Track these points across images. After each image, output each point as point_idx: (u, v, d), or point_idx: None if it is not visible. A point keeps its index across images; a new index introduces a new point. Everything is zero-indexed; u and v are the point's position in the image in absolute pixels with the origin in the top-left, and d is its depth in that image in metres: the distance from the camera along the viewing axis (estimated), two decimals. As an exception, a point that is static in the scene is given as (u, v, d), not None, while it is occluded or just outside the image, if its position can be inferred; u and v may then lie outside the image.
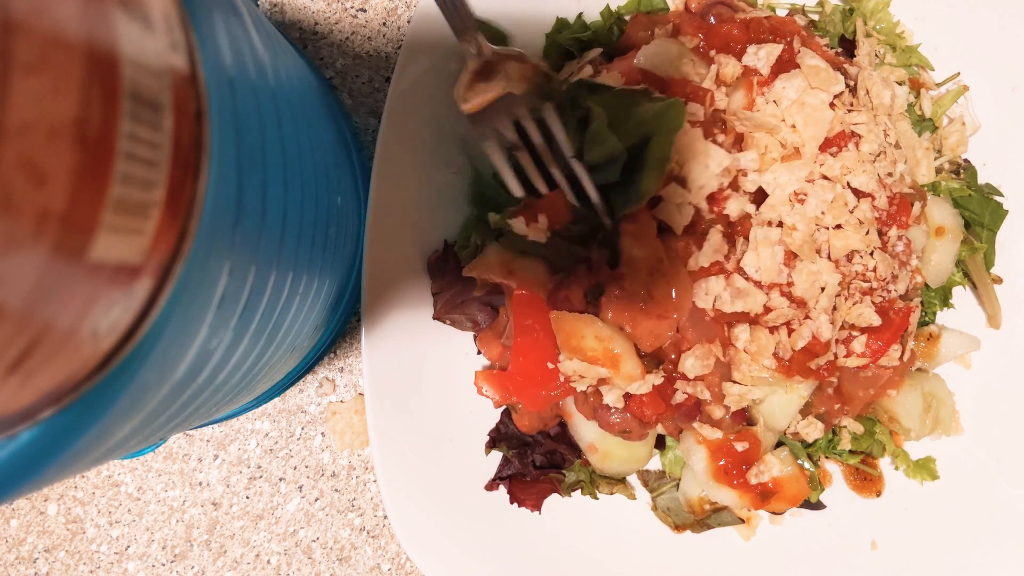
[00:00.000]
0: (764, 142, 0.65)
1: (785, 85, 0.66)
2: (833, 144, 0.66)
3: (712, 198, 0.65)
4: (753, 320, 0.65)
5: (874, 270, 0.66)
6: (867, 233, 0.65)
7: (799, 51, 0.68)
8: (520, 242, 0.70)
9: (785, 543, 0.74)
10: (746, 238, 0.65)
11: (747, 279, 0.64)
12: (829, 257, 0.65)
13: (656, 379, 0.66)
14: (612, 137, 0.63)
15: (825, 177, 0.65)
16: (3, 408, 0.26)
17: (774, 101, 0.66)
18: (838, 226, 0.64)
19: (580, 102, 0.66)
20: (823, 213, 0.64)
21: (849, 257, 0.65)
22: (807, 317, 0.64)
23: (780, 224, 0.64)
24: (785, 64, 0.68)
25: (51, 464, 0.28)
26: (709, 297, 0.64)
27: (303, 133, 0.50)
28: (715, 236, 0.64)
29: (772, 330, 0.65)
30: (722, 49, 0.69)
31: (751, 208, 0.65)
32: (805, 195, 0.64)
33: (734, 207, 0.64)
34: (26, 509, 0.82)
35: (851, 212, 0.64)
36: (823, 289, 0.64)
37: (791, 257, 0.64)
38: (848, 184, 0.65)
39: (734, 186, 0.65)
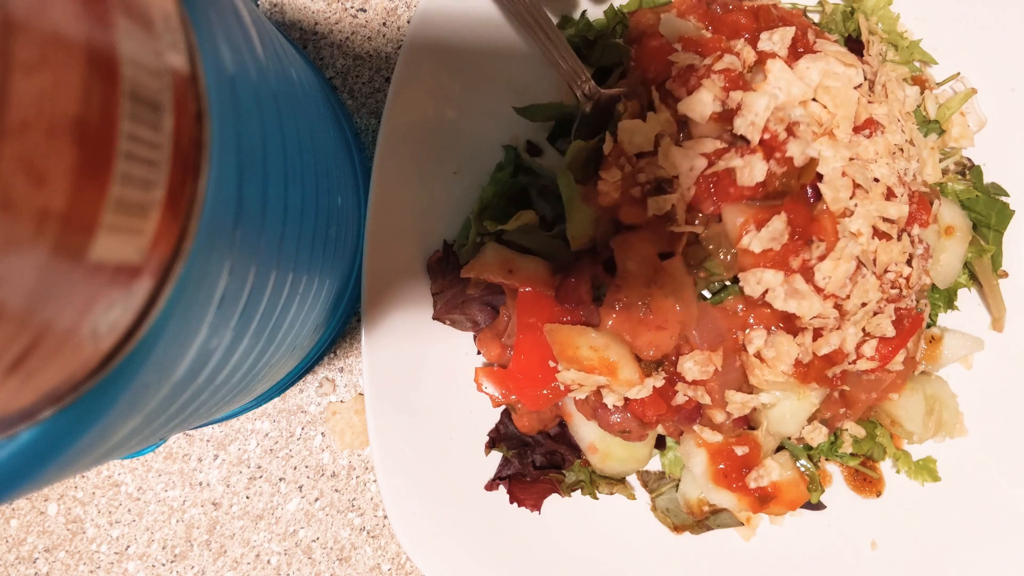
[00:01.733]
0: (811, 112, 0.64)
1: (809, 66, 0.65)
2: (865, 128, 0.65)
3: (769, 146, 0.61)
4: (778, 325, 0.64)
5: (907, 278, 0.65)
6: (900, 239, 0.64)
7: (815, 42, 0.68)
8: (520, 239, 0.70)
9: (785, 543, 0.74)
10: (821, 239, 0.62)
11: (808, 283, 0.62)
12: (874, 273, 0.64)
13: (657, 381, 0.66)
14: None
15: (860, 158, 0.64)
16: (3, 408, 0.26)
17: (799, 79, 0.65)
18: (883, 237, 0.63)
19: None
20: (868, 192, 0.62)
21: (886, 269, 0.64)
22: (838, 327, 0.64)
23: (847, 214, 0.62)
24: (800, 55, 0.67)
25: (51, 464, 0.28)
26: (760, 286, 0.62)
27: (304, 133, 0.50)
28: (777, 223, 0.61)
29: (795, 334, 0.64)
30: (731, 36, 0.69)
31: (815, 152, 0.62)
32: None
33: (796, 150, 0.61)
34: (26, 509, 0.82)
35: (887, 200, 0.64)
36: (864, 304, 0.63)
37: (857, 269, 0.63)
38: (874, 176, 0.64)
39: (791, 132, 0.62)
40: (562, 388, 0.69)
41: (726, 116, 0.63)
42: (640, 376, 0.65)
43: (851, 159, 0.63)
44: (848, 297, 0.62)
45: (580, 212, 0.67)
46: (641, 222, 0.64)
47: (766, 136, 0.62)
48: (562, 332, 0.65)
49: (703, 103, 0.62)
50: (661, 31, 0.69)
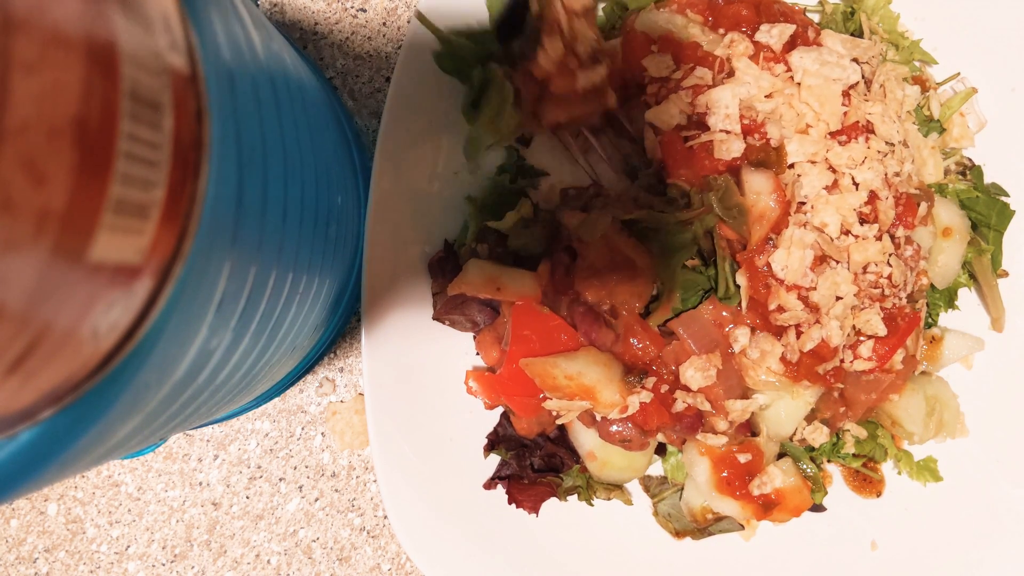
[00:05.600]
0: (779, 110, 0.65)
1: (802, 56, 0.66)
2: (844, 134, 0.66)
3: (749, 130, 0.65)
4: (758, 325, 0.65)
5: (888, 277, 0.65)
6: (880, 239, 0.64)
7: (815, 38, 0.68)
8: (516, 239, 0.70)
9: (785, 543, 0.74)
10: (775, 233, 0.64)
11: (772, 277, 0.64)
12: (848, 268, 0.64)
13: (644, 397, 0.66)
14: None
15: (828, 163, 0.65)
16: (3, 408, 0.26)
17: (788, 71, 0.66)
18: (856, 235, 0.64)
19: None
20: (826, 190, 0.64)
21: (865, 267, 0.65)
22: (817, 322, 0.64)
23: (806, 224, 0.64)
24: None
25: (51, 464, 0.28)
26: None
27: (303, 133, 0.50)
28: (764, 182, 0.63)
29: (779, 334, 0.65)
30: (731, 29, 0.69)
31: (790, 132, 0.65)
32: (799, 176, 0.64)
33: (775, 131, 0.64)
34: (26, 509, 0.82)
35: (855, 209, 0.64)
36: (839, 298, 0.64)
37: (818, 262, 0.63)
38: (853, 180, 0.65)
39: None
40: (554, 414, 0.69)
41: (696, 122, 0.65)
42: (623, 395, 0.65)
43: (813, 161, 0.64)
44: (813, 288, 0.63)
45: (504, 99, 0.67)
46: (570, 92, 0.65)
47: (745, 122, 0.65)
48: (537, 365, 0.66)
49: (669, 114, 0.66)
50: (637, 27, 0.70)
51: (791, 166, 0.65)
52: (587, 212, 0.67)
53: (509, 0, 0.69)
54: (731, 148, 0.64)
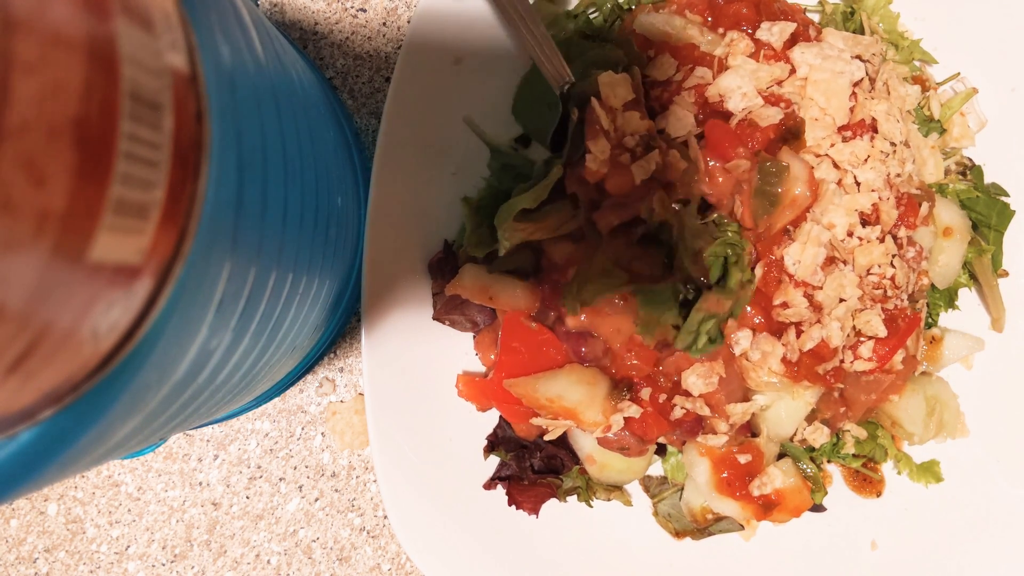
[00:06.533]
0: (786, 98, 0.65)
1: (804, 51, 0.66)
2: (850, 129, 0.66)
3: (774, 99, 0.65)
4: (758, 326, 0.65)
5: (892, 279, 0.65)
6: (883, 240, 0.64)
7: (816, 36, 0.69)
8: (496, 265, 0.70)
9: (785, 543, 0.74)
10: (794, 226, 0.65)
11: (784, 271, 0.64)
12: (853, 270, 0.64)
13: (632, 412, 0.65)
14: None
15: (831, 159, 0.65)
16: (3, 408, 0.26)
17: (792, 70, 0.66)
18: (860, 238, 0.64)
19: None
20: (837, 185, 0.64)
21: (868, 270, 0.65)
22: (818, 321, 0.64)
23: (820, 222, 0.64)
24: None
25: (51, 464, 0.28)
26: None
27: (304, 133, 0.50)
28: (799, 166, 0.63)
29: (778, 333, 0.65)
30: (731, 28, 0.69)
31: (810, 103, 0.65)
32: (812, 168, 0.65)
33: (796, 98, 0.65)
34: (26, 509, 0.82)
35: (857, 210, 0.64)
36: (842, 300, 0.64)
37: (828, 262, 0.64)
38: (856, 179, 0.65)
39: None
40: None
41: (712, 108, 0.65)
42: (605, 416, 0.65)
43: (817, 154, 0.64)
44: (821, 287, 0.63)
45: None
46: (629, 189, 0.63)
47: (765, 94, 0.65)
48: (520, 385, 0.66)
49: (678, 118, 0.65)
50: (636, 29, 0.70)
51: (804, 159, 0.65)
52: (574, 241, 0.66)
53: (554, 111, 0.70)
54: (771, 114, 0.63)
